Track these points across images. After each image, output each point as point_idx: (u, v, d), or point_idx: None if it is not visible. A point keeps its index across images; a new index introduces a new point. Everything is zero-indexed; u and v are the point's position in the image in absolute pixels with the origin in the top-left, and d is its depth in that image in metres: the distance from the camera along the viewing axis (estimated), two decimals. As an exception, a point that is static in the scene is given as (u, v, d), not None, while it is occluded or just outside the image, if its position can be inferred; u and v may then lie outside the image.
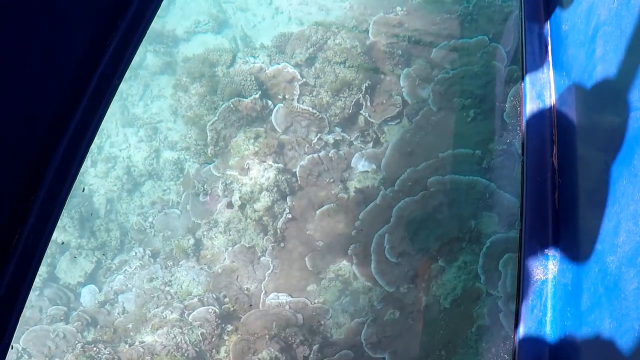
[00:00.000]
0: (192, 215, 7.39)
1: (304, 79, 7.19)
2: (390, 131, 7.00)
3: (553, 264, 2.41)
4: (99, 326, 7.16)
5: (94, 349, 6.56)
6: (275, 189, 6.77)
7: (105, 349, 6.54)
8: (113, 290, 7.43)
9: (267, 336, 6.18)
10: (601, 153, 2.28)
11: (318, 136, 7.06)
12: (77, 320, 7.26)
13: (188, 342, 6.38)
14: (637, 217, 1.94)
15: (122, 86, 8.12)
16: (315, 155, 6.96)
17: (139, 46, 2.70)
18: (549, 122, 2.79)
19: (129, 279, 7.44)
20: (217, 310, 6.57)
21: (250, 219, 6.90)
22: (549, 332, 2.29)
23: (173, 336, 6.40)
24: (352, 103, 7.02)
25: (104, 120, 7.20)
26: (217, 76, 7.44)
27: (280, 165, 6.92)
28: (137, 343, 6.55)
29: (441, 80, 6.93)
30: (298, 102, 7.10)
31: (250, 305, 6.63)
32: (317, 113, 7.03)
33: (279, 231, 6.79)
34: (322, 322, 6.38)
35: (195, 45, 8.27)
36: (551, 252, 2.44)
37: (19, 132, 2.09)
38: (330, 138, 7.05)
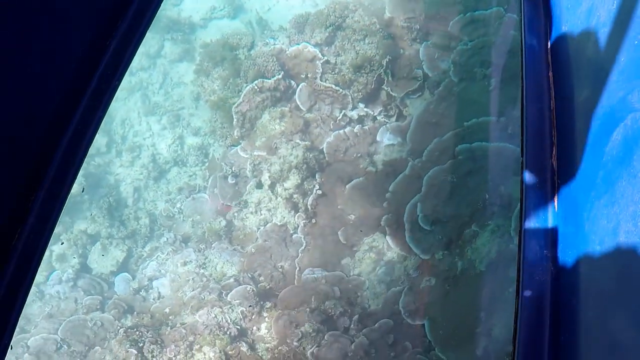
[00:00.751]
0: (221, 198, 7.48)
1: (325, 58, 7.27)
2: (413, 104, 7.09)
3: (552, 265, 2.40)
4: (135, 312, 7.25)
5: (137, 332, 6.65)
6: (304, 166, 6.85)
7: (147, 332, 6.64)
8: (147, 277, 7.53)
9: (307, 310, 6.28)
10: (600, 154, 2.28)
11: (342, 112, 7.14)
12: (113, 308, 7.36)
13: (229, 320, 6.48)
14: (636, 218, 1.93)
15: (142, 75, 8.24)
16: (341, 131, 7.05)
17: (139, 46, 2.70)
18: (548, 123, 2.78)
19: (161, 264, 7.54)
20: (254, 289, 6.66)
21: (281, 197, 6.99)
22: (549, 334, 2.28)
23: (214, 315, 6.50)
24: (374, 78, 7.10)
25: (126, 110, 7.30)
26: (239, 59, 7.52)
27: (307, 143, 7.01)
28: (178, 325, 6.64)
29: (460, 52, 7.01)
30: (321, 80, 7.18)
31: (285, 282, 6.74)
32: (340, 90, 7.11)
33: (309, 208, 6.89)
34: (359, 293, 6.48)
35: (212, 31, 8.34)
36: (551, 254, 2.42)
37: (19, 132, 2.09)
38: (354, 114, 7.14)
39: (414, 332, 6.10)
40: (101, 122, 2.49)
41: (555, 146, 2.67)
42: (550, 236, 2.45)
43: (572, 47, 2.86)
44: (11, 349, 2.08)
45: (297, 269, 6.83)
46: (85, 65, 2.38)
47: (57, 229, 7.39)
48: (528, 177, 2.62)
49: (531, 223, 2.51)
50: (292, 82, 7.32)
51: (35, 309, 7.76)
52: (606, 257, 2.10)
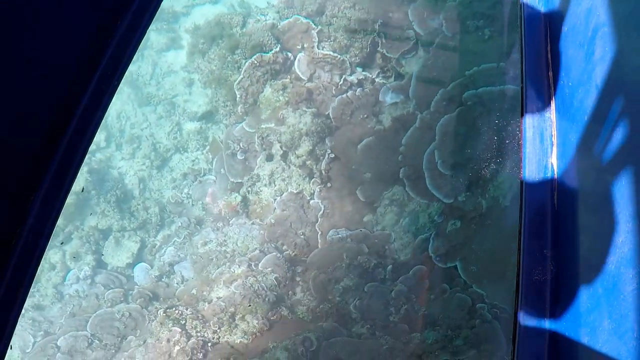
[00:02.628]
0: (230, 176, 7.57)
1: (319, 27, 7.46)
2: (409, 63, 7.34)
3: (552, 264, 2.40)
4: (161, 299, 7.29)
5: (176, 312, 6.70)
6: (314, 132, 7.02)
7: (187, 310, 6.70)
8: (166, 263, 7.56)
9: (343, 266, 6.46)
10: (600, 154, 2.31)
11: (343, 78, 7.34)
12: (138, 298, 7.37)
13: (265, 287, 6.60)
14: (636, 217, 1.97)
15: (131, 68, 8.26)
16: (344, 95, 7.25)
17: (138, 47, 2.70)
18: (548, 123, 2.80)
19: (179, 249, 7.59)
20: (282, 255, 6.80)
21: (294, 166, 7.14)
22: (548, 332, 2.30)
23: (250, 285, 6.61)
24: (369, 42, 7.33)
25: (120, 104, 7.34)
26: (234, 36, 7.63)
27: (314, 109, 7.18)
28: (214, 300, 6.73)
29: (450, 8, 7.31)
30: (318, 48, 7.36)
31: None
32: (338, 56, 7.31)
33: (323, 172, 7.07)
34: (387, 246, 6.70)
35: (196, 17, 8.41)
36: (550, 253, 2.43)
37: (19, 132, 2.09)
38: (353, 78, 7.35)
39: (448, 274, 6.36)
40: (101, 122, 2.50)
41: (555, 146, 2.69)
42: (550, 236, 2.46)
43: (571, 48, 2.89)
44: (11, 348, 2.17)
45: (319, 233, 7.00)
46: (85, 66, 2.39)
47: (68, 227, 7.38)
48: (528, 176, 2.66)
49: (531, 222, 2.53)
50: (289, 54, 7.48)
51: (56, 310, 7.70)
52: (605, 257, 2.14)
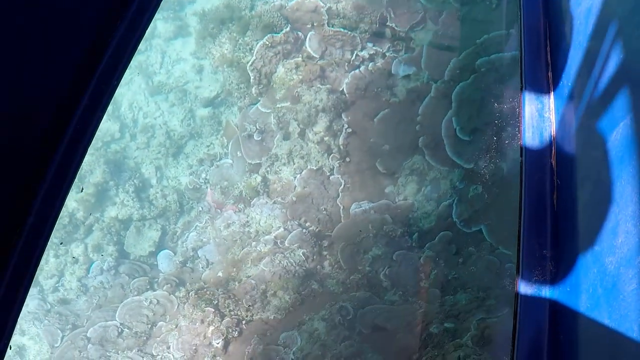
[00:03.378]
0: (248, 158, 7.62)
1: (328, 5, 7.51)
2: (418, 36, 7.41)
3: (551, 264, 2.39)
4: (188, 284, 7.34)
5: (208, 292, 6.75)
6: (330, 108, 7.09)
7: (218, 290, 6.75)
8: (189, 248, 7.60)
9: (370, 236, 6.53)
10: (599, 154, 2.32)
11: (354, 54, 7.41)
12: (165, 284, 7.41)
13: (294, 263, 6.66)
14: (635, 218, 1.97)
15: (140, 57, 8.30)
16: (356, 71, 7.31)
17: (138, 47, 2.72)
18: (547, 123, 2.80)
19: (202, 233, 7.63)
20: (308, 232, 6.87)
21: (312, 143, 7.20)
22: (548, 332, 2.29)
23: (278, 262, 6.67)
24: (377, 17, 7.39)
25: (131, 94, 7.38)
26: (244, 19, 7.67)
27: (328, 86, 7.24)
28: (244, 279, 6.78)
29: (455, -22, 7.39)
30: (328, 26, 7.42)
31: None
32: (348, 32, 7.37)
33: (342, 147, 7.13)
34: (410, 215, 6.78)
35: (202, 3, 8.44)
36: (550, 253, 2.42)
37: (19, 132, 2.09)
38: (365, 54, 7.41)
39: (474, 238, 6.44)
40: (100, 122, 2.50)
41: (554, 146, 2.68)
42: (550, 236, 2.45)
43: (571, 47, 2.90)
44: (10, 349, 2.14)
45: (341, 207, 7.07)
46: (85, 66, 2.40)
47: (89, 220, 7.41)
48: (528, 177, 2.65)
49: (531, 223, 2.52)
50: (299, 34, 7.53)
51: (82, 303, 7.73)
52: (605, 257, 2.15)
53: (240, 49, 7.60)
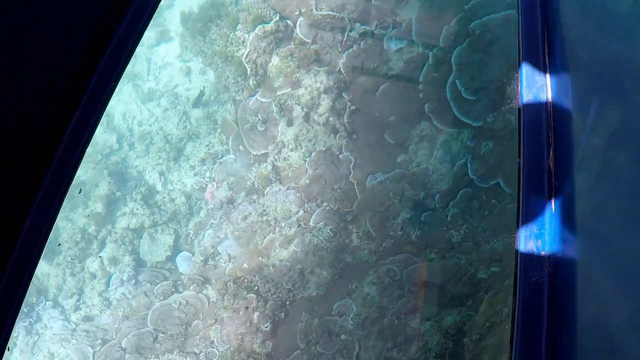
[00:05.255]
0: (252, 149, 7.72)
1: (311, -10, 7.70)
2: (404, 11, 7.67)
3: (550, 267, 2.36)
4: (213, 280, 7.39)
5: (245, 280, 6.83)
6: (332, 88, 7.27)
7: (254, 276, 6.83)
8: (208, 246, 7.65)
9: (395, 202, 6.75)
10: (599, 155, 2.37)
11: (345, 34, 7.61)
12: (191, 284, 7.44)
13: (323, 240, 6.81)
14: (635, 219, 1.99)
15: (126, 67, 8.28)
16: (350, 50, 7.52)
17: (136, 48, 2.71)
18: (545, 124, 2.75)
19: (218, 229, 7.69)
20: (330, 208, 7.04)
21: (318, 124, 7.37)
22: (547, 334, 2.26)
23: (309, 241, 6.81)
24: (361, -3, 7.63)
25: (123, 104, 7.47)
26: (232, 14, 7.77)
27: (325, 68, 7.42)
28: (277, 263, 6.88)
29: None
30: (316, 10, 7.60)
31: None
32: (337, 14, 7.58)
33: (347, 125, 7.33)
34: (426, 180, 7.02)
35: (181, 7, 8.49)
36: (548, 255, 2.38)
37: (19, 132, 2.09)
38: (354, 34, 7.63)
39: (493, 191, 6.73)
40: (98, 123, 2.49)
41: (552, 147, 2.65)
42: (548, 239, 2.42)
43: (570, 46, 2.91)
44: (8, 350, 2.13)
45: (355, 183, 7.26)
46: (84, 67, 2.39)
47: (101, 233, 7.39)
48: (525, 178, 2.62)
49: (528, 224, 2.49)
50: (289, 22, 7.68)
51: (106, 317, 7.68)
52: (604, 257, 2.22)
53: (232, 43, 7.70)
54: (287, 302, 6.64)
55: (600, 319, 2.12)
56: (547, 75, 2.82)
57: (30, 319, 7.90)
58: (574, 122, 2.62)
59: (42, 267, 8.06)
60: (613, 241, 2.19)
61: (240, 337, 6.64)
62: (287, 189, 7.48)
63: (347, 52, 7.49)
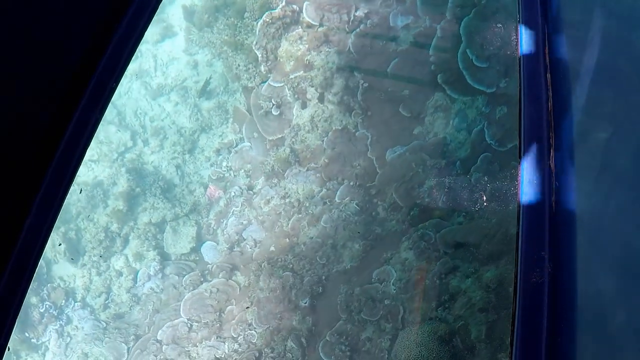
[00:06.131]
0: (268, 135, 7.81)
1: (314, -26, 7.82)
2: (404, -13, 7.84)
3: (550, 267, 2.39)
4: (242, 266, 7.45)
5: (278, 260, 6.90)
6: (344, 67, 7.39)
7: (287, 256, 6.91)
8: (232, 233, 7.71)
9: (419, 171, 6.88)
10: (599, 156, 2.38)
11: (351, 15, 7.74)
12: (220, 271, 7.49)
13: (351, 214, 6.92)
14: (636, 219, 2.02)
15: (133, 66, 8.36)
16: (357, 30, 7.65)
17: (137, 48, 2.73)
18: (546, 124, 2.77)
19: (240, 217, 7.75)
20: (352, 183, 7.15)
21: (332, 104, 7.48)
22: (547, 334, 2.29)
23: (336, 216, 6.91)
24: (362, -23, 7.78)
25: (133, 102, 7.55)
26: (237, 3, 7.86)
27: (336, 48, 7.55)
28: (307, 241, 6.97)
29: None
30: (321, -8, 7.73)
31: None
32: (341, -5, 7.72)
33: (361, 103, 7.45)
34: (445, 149, 7.17)
35: (182, 1, 8.55)
36: (548, 256, 2.41)
37: (19, 132, 2.11)
38: (360, 14, 7.77)
39: (512, 153, 6.90)
40: (99, 122, 2.51)
41: (552, 148, 2.68)
42: (548, 239, 2.45)
43: (570, 46, 2.95)
44: (9, 350, 2.14)
45: (374, 158, 7.38)
46: (83, 67, 2.43)
47: (124, 230, 7.42)
48: (526, 178, 2.65)
49: (529, 224, 2.53)
50: (295, 6, 7.79)
51: (137, 313, 7.70)
52: (605, 257, 2.22)
53: (241, 31, 7.78)
54: (323, 277, 6.73)
55: (600, 319, 2.13)
56: (548, 75, 2.89)
57: (61, 322, 7.89)
58: (574, 121, 2.67)
59: (68, 269, 8.06)
60: (613, 241, 2.21)
61: (279, 316, 6.72)
62: (307, 170, 7.58)
63: (354, 31, 7.62)
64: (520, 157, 2.70)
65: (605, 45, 2.66)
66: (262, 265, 6.96)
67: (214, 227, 7.95)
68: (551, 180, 2.57)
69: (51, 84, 2.27)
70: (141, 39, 2.74)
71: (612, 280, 2.10)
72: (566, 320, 2.23)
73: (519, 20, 3.21)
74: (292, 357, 6.57)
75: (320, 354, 6.34)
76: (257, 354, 6.75)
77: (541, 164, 2.62)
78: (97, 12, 2.50)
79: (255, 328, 6.88)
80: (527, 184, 2.62)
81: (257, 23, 7.67)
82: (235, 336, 7.02)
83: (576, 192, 2.48)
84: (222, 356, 6.97)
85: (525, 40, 3.10)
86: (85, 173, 8.20)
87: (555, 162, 2.61)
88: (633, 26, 2.48)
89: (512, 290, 2.37)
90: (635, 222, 2.05)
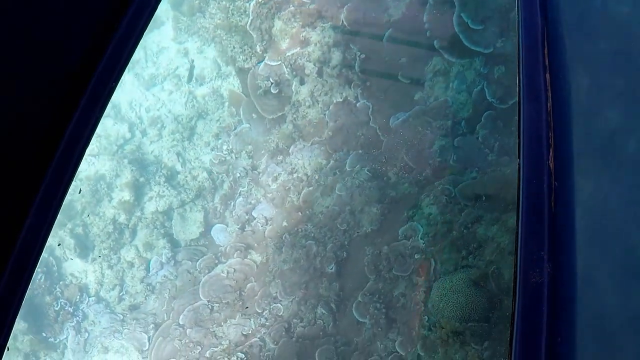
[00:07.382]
0: (268, 114, 7.88)
1: (300, -48, 7.94)
2: (387, -40, 8.03)
3: (549, 267, 2.38)
4: (255, 244, 7.50)
5: (299, 231, 6.98)
6: (340, 41, 7.53)
7: (306, 225, 6.99)
8: (242, 214, 7.74)
9: (427, 132, 7.07)
10: (598, 156, 2.39)
11: (340, -10, 7.90)
12: (235, 251, 7.52)
13: (364, 180, 7.05)
14: (636, 220, 2.03)
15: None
16: (349, 4, 7.80)
17: (136, 49, 2.77)
18: (545, 124, 2.77)
19: (249, 196, 7.80)
20: (360, 151, 7.29)
21: (331, 77, 7.61)
22: (547, 334, 2.29)
23: (350, 184, 7.03)
24: (347, -47, 7.94)
25: (127, 94, 7.62)
26: (228, -15, 7.93)
27: (330, 23, 7.68)
28: (323, 210, 7.07)
29: None
30: (309, -30, 7.86)
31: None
32: (329, -29, 7.85)
33: (360, 74, 7.60)
34: (448, 111, 7.38)
35: (166, -9, 8.57)
36: (548, 256, 2.41)
37: (19, 132, 2.12)
38: (348, -12, 7.93)
39: (513, 110, 7.14)
40: (99, 122, 2.53)
41: (552, 147, 2.68)
42: (547, 239, 2.46)
43: (570, 46, 2.95)
44: (7, 350, 2.14)
45: (377, 127, 7.54)
46: (83, 67, 2.45)
47: (132, 221, 7.40)
48: (525, 178, 2.65)
49: (529, 224, 2.53)
50: (284, -15, 7.91)
51: (152, 302, 7.66)
52: (605, 257, 2.22)
53: (234, 14, 7.84)
54: (346, 242, 6.84)
55: (600, 319, 2.14)
56: (548, 75, 2.86)
57: (77, 318, 7.78)
58: (574, 122, 2.67)
59: (78, 265, 7.96)
60: (613, 241, 2.22)
61: (304, 285, 6.80)
62: (312, 144, 7.68)
63: (346, 5, 7.76)
64: (520, 157, 2.68)
65: (606, 45, 2.69)
66: (284, 237, 7.02)
67: (221, 211, 7.97)
68: (551, 179, 2.56)
69: (51, 84, 2.30)
70: (141, 38, 2.80)
71: (612, 280, 2.12)
72: (566, 320, 2.23)
73: (518, 20, 3.20)
74: (324, 323, 6.66)
75: (355, 314, 6.45)
76: (286, 325, 6.81)
77: (541, 163, 2.60)
78: (97, 12, 2.52)
79: (280, 301, 6.94)
80: (527, 183, 2.61)
81: (250, 4, 7.74)
82: (260, 311, 7.06)
83: (576, 191, 2.48)
84: (250, 332, 7.00)
85: (524, 40, 3.09)
86: (87, 168, 8.12)
87: (554, 161, 2.59)
88: (633, 26, 2.52)
89: (512, 290, 2.38)
90: (636, 222, 2.07)
